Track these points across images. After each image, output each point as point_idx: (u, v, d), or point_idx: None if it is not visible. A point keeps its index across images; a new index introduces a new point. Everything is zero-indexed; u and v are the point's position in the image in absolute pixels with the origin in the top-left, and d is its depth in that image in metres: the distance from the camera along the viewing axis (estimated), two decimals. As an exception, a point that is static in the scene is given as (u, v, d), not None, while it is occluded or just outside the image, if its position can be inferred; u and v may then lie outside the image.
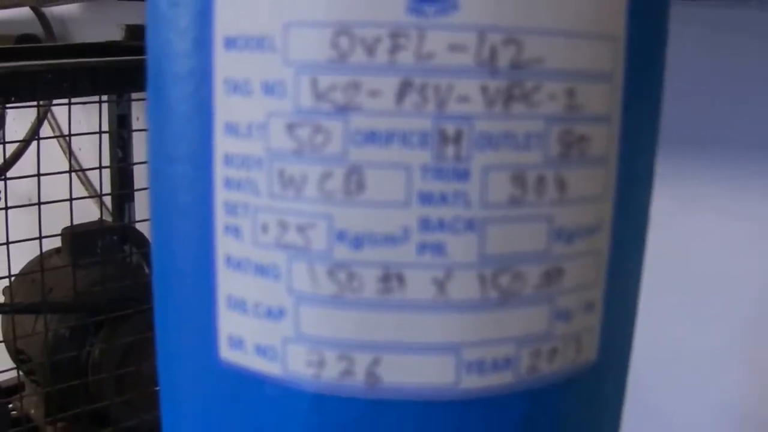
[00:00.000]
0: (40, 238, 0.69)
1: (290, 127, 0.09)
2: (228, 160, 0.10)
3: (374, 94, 0.09)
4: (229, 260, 0.10)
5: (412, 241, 0.09)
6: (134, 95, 0.98)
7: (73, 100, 0.71)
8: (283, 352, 0.10)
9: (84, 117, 0.80)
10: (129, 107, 1.05)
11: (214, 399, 0.11)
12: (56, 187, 0.73)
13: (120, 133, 1.13)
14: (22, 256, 0.78)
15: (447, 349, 0.10)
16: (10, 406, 0.79)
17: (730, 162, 0.59)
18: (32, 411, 0.90)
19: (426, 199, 0.09)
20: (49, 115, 1.08)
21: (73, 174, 0.79)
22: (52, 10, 1.22)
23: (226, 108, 0.10)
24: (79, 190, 0.90)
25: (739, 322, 0.64)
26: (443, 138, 0.09)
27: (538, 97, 0.09)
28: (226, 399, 0.10)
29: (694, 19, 0.53)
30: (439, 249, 0.09)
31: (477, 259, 0.09)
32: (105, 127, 0.90)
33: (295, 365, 0.10)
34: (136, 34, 1.44)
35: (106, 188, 1.05)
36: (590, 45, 0.10)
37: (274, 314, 0.10)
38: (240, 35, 0.09)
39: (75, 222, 0.78)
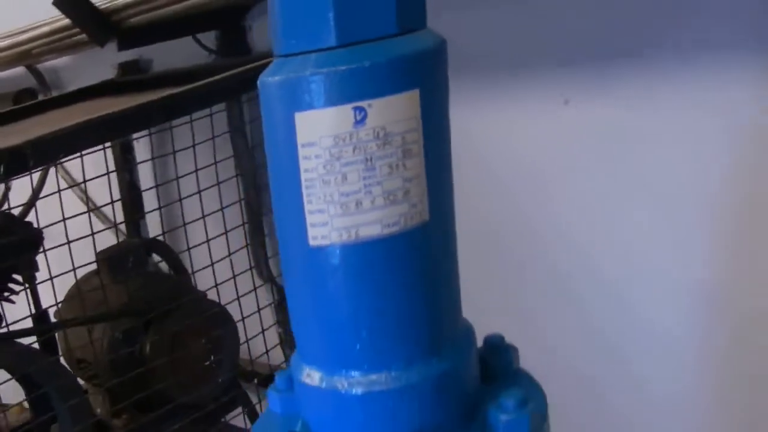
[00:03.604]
0: (71, 271, 0.93)
1: (324, 167, 0.35)
2: (305, 181, 0.35)
3: (350, 155, 0.35)
4: (310, 212, 0.36)
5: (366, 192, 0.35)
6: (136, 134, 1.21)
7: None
8: (330, 237, 0.36)
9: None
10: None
11: (305, 261, 0.36)
12: (58, 213, 0.95)
13: (125, 157, 1.38)
14: (57, 286, 1.01)
15: (378, 222, 0.35)
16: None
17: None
18: (98, 410, 1.15)
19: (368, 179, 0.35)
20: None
21: (82, 196, 1.03)
22: (44, 64, 1.44)
23: (303, 164, 0.35)
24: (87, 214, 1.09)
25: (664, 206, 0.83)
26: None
27: (394, 142, 0.35)
28: (311, 259, 0.36)
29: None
30: (370, 194, 0.35)
31: (382, 194, 0.35)
32: (111, 165, 1.13)
33: (335, 239, 0.36)
34: (128, 70, 1.69)
35: (117, 211, 1.27)
36: (409, 122, 0.36)
37: (326, 226, 0.36)
38: (305, 142, 0.35)
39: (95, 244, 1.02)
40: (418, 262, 0.36)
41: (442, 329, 0.37)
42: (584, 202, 0.91)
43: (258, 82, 0.38)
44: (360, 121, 0.35)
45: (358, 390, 0.35)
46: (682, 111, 0.80)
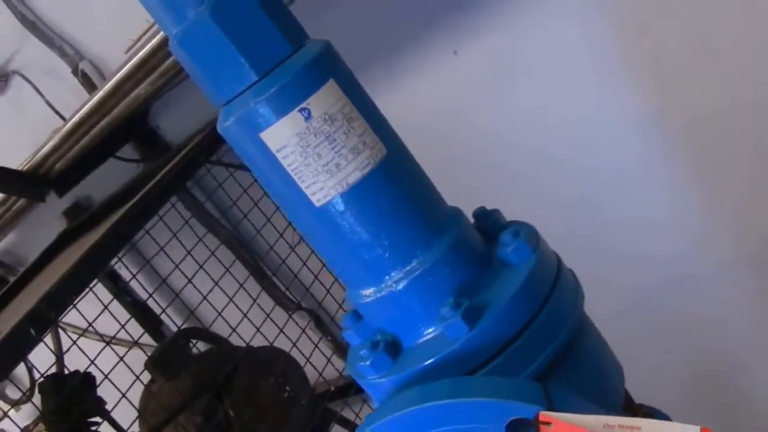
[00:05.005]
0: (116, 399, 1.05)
1: (301, 156, 0.49)
2: (292, 172, 0.50)
3: (315, 140, 0.49)
4: (306, 187, 0.50)
5: (331, 152, 0.50)
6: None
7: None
8: (329, 194, 0.50)
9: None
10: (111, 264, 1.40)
11: (320, 219, 0.51)
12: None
13: (118, 284, 1.50)
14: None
15: (356, 169, 0.50)
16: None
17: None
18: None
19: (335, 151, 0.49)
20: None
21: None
22: (-3, 251, 1.54)
23: (284, 162, 0.50)
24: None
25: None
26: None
27: (338, 118, 0.49)
28: (323, 215, 0.50)
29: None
30: (342, 155, 0.50)
31: (350, 152, 0.50)
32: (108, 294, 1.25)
33: (333, 194, 0.50)
34: (75, 213, 1.82)
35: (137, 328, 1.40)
36: (339, 101, 0.50)
37: (323, 189, 0.50)
38: (278, 149, 0.49)
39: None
40: (396, 179, 0.51)
41: (437, 213, 0.52)
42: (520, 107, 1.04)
43: (219, 130, 0.52)
44: (308, 117, 0.49)
45: (404, 282, 0.50)
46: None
